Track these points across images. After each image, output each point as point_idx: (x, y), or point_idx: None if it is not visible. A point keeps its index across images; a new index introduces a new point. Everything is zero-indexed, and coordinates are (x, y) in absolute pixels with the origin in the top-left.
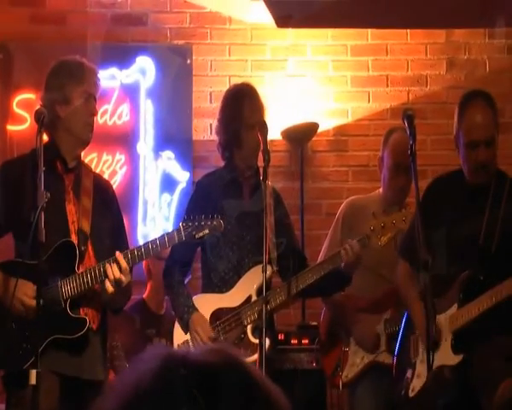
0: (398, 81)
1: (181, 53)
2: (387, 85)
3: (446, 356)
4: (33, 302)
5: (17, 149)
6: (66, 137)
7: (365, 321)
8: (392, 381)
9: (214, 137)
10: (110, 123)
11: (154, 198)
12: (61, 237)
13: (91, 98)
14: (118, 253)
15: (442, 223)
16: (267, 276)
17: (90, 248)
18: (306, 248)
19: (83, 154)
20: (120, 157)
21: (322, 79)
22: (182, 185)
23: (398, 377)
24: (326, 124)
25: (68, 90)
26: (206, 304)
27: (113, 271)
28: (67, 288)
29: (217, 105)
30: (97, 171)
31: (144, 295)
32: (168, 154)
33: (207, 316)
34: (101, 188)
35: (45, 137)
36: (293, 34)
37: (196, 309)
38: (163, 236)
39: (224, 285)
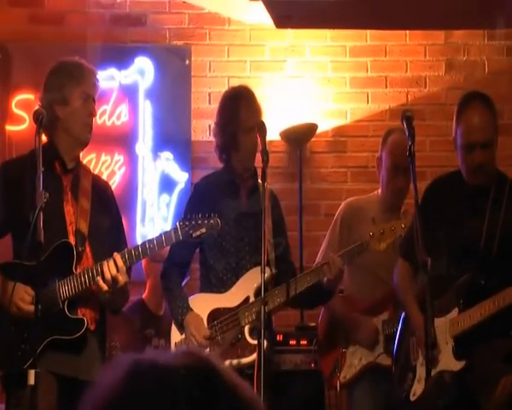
0: (397, 82)
1: (180, 54)
2: (386, 86)
3: (448, 361)
4: (30, 308)
5: (16, 149)
6: (64, 137)
7: (364, 319)
8: (390, 383)
9: (213, 138)
10: (109, 123)
11: (152, 199)
12: (58, 238)
13: (90, 99)
14: (115, 254)
15: (442, 224)
16: (266, 277)
17: (87, 248)
18: (305, 249)
19: (81, 154)
20: (119, 158)
21: (321, 80)
22: (180, 186)
23: (397, 378)
24: (325, 125)
25: (67, 91)
26: (204, 304)
27: (109, 268)
28: (65, 289)
29: (216, 106)
30: (96, 171)
31: (143, 296)
32: (167, 154)
33: (205, 316)
34: (100, 189)
35: (44, 138)
36: (292, 35)
37: (191, 309)
38: (160, 235)
39: (222, 286)
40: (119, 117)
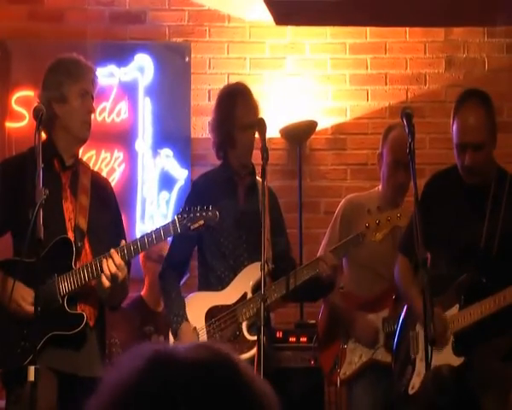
0: (397, 79)
1: (179, 51)
2: (386, 84)
3: (448, 357)
4: (31, 308)
5: (15, 146)
6: (63, 135)
7: (364, 317)
8: (389, 380)
9: (210, 135)
10: (108, 120)
11: (152, 196)
12: (57, 235)
13: (88, 96)
14: (112, 250)
15: (442, 220)
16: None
17: (86, 244)
18: (304, 246)
19: (81, 151)
20: (119, 155)
21: (320, 77)
22: (180, 183)
23: (396, 374)
24: (324, 122)
25: (65, 88)
26: (202, 302)
27: (108, 266)
28: (64, 284)
29: None
30: (96, 168)
31: (142, 293)
32: (166, 151)
33: (203, 314)
34: (99, 185)
35: (43, 135)
36: (291, 32)
37: (186, 319)
38: (159, 228)
39: (220, 284)
40: (118, 114)
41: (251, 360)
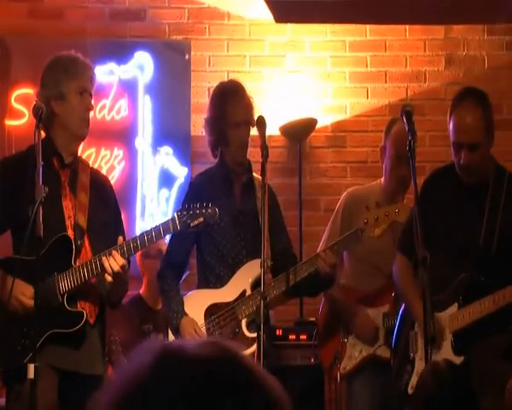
0: (397, 77)
1: (179, 48)
2: (386, 81)
3: (448, 356)
4: (31, 302)
5: (15, 143)
6: (61, 132)
7: (364, 314)
8: (389, 376)
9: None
10: (108, 118)
11: (152, 193)
12: (57, 233)
13: (87, 93)
14: (114, 251)
15: (440, 219)
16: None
17: (86, 242)
18: (304, 243)
19: (80, 149)
20: (118, 152)
21: (320, 75)
22: (180, 181)
23: (395, 371)
24: (324, 120)
25: (63, 86)
26: (201, 300)
27: (110, 263)
28: (64, 282)
29: None
30: (95, 166)
31: (141, 291)
32: (166, 149)
33: (202, 312)
34: (99, 183)
35: (42, 133)
36: (291, 30)
37: (186, 314)
38: (158, 226)
39: (218, 282)
40: (118, 112)
41: (251, 356)
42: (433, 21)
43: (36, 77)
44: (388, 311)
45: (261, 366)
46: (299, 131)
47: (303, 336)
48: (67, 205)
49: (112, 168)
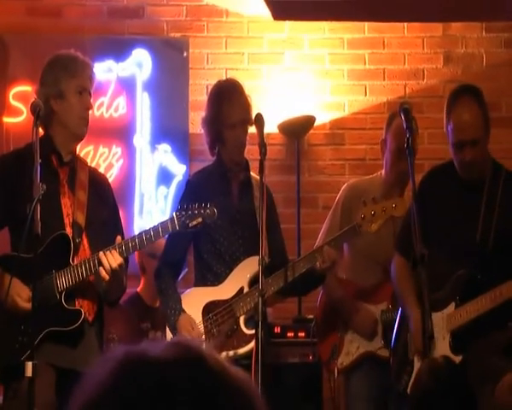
0: (395, 75)
1: (177, 46)
2: (384, 79)
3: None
4: (26, 305)
5: (13, 141)
6: (60, 131)
7: (364, 308)
8: (386, 372)
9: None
10: (106, 116)
11: (150, 191)
12: (55, 230)
13: (86, 93)
14: (113, 250)
15: (438, 216)
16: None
17: (85, 240)
18: (302, 241)
19: (79, 146)
20: (117, 150)
21: (318, 73)
22: (178, 178)
23: (394, 372)
24: (322, 117)
25: (63, 85)
26: (199, 298)
27: (108, 261)
28: (62, 280)
29: None
30: (93, 163)
31: (138, 289)
32: (164, 147)
33: (200, 309)
34: (97, 181)
35: (40, 131)
36: (289, 27)
37: (183, 311)
38: (157, 226)
39: (216, 280)
40: (116, 109)
41: (248, 353)
42: (431, 19)
43: (34, 74)
44: (387, 308)
45: (259, 363)
46: (298, 129)
47: (301, 334)
48: (66, 203)
49: (110, 166)
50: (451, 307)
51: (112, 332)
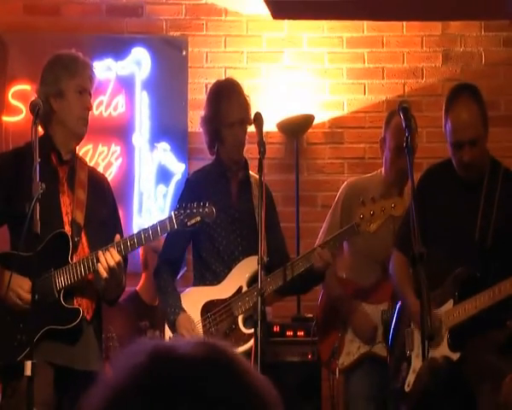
0: (394, 73)
1: (176, 45)
2: (383, 78)
3: (444, 353)
4: (28, 296)
5: (12, 140)
6: (60, 130)
7: (363, 312)
8: (386, 373)
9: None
10: (105, 114)
11: (149, 190)
12: (54, 229)
13: (86, 93)
14: (111, 248)
15: (436, 214)
16: (260, 267)
17: (84, 239)
18: (301, 240)
19: (78, 145)
20: (116, 149)
21: (317, 71)
22: (177, 177)
23: (392, 369)
24: (321, 116)
25: (62, 84)
26: (198, 297)
27: (106, 259)
28: (61, 278)
29: None
30: (93, 162)
31: (137, 287)
32: (164, 145)
33: (199, 309)
34: (96, 180)
35: (40, 130)
36: (288, 26)
37: (183, 310)
38: (155, 224)
39: (215, 279)
40: (115, 108)
41: (247, 353)
42: (430, 18)
43: (33, 73)
44: (387, 308)
45: (258, 362)
46: (297, 128)
47: (300, 333)
48: (65, 201)
49: (109, 165)
50: (450, 304)
51: (110, 330)
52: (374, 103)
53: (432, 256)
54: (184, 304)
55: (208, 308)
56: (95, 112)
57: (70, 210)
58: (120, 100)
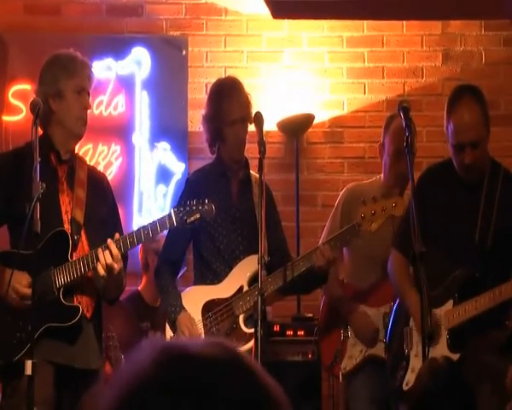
0: (394, 73)
1: (176, 44)
2: (383, 77)
3: (443, 353)
4: (27, 290)
5: (12, 139)
6: (59, 130)
7: (363, 312)
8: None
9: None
10: (105, 114)
11: (149, 189)
12: (53, 228)
13: (84, 93)
14: (109, 240)
15: (436, 215)
16: (260, 266)
17: (83, 237)
18: (301, 239)
19: (78, 144)
20: (116, 148)
21: (317, 71)
22: (177, 177)
23: (390, 368)
24: (321, 115)
25: (61, 84)
26: (198, 296)
27: (104, 256)
28: (61, 276)
29: None
30: (93, 162)
31: (139, 287)
32: (164, 145)
33: (199, 308)
34: (96, 179)
35: (39, 130)
36: (288, 25)
37: (184, 309)
38: (155, 222)
39: (215, 278)
40: (115, 108)
41: (248, 352)
42: (430, 17)
43: (33, 73)
44: (389, 310)
45: (258, 361)
46: (297, 127)
47: (300, 332)
48: (64, 200)
49: (109, 164)
50: (449, 304)
51: (111, 330)
52: (374, 103)
53: (431, 256)
54: (185, 303)
55: (209, 308)
56: (95, 111)
57: (69, 209)
58: (120, 99)
